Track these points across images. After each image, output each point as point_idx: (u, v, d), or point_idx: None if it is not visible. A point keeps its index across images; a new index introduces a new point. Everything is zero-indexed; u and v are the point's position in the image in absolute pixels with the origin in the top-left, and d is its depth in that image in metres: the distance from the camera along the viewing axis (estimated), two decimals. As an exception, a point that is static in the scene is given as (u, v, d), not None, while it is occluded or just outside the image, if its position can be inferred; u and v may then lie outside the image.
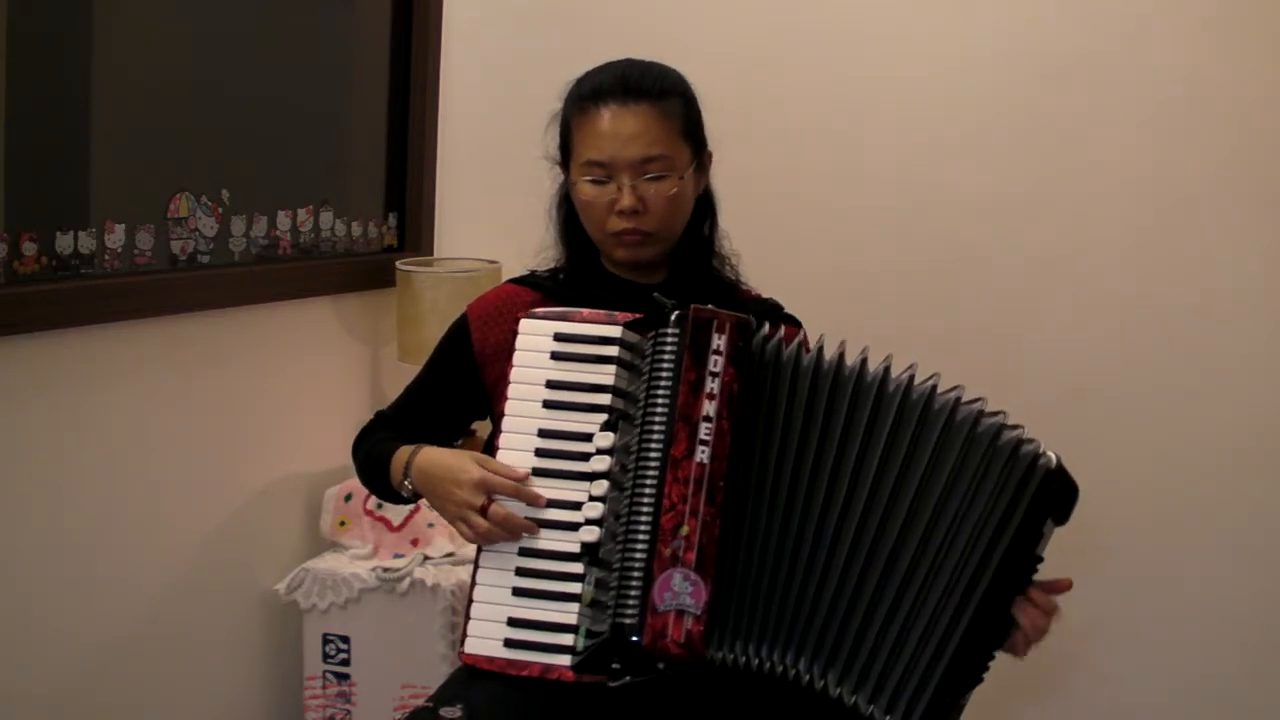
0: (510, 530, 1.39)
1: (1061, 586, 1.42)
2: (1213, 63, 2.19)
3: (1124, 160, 2.25)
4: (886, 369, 1.39)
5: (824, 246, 2.39)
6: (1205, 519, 2.27)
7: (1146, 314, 2.27)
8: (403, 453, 1.53)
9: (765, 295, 1.69)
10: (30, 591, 1.77)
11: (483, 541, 1.41)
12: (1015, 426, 1.38)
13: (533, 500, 1.40)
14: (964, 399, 1.38)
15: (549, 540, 1.39)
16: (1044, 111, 2.28)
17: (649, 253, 1.57)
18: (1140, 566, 2.30)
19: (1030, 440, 1.37)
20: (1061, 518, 1.40)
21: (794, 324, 1.66)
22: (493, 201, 2.55)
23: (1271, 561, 2.25)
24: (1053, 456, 1.37)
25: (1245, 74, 2.18)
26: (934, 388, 1.38)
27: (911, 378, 1.38)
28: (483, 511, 1.39)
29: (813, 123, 2.39)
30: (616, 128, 1.51)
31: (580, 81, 1.58)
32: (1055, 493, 1.37)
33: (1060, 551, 2.35)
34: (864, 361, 1.39)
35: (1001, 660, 1.38)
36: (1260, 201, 2.20)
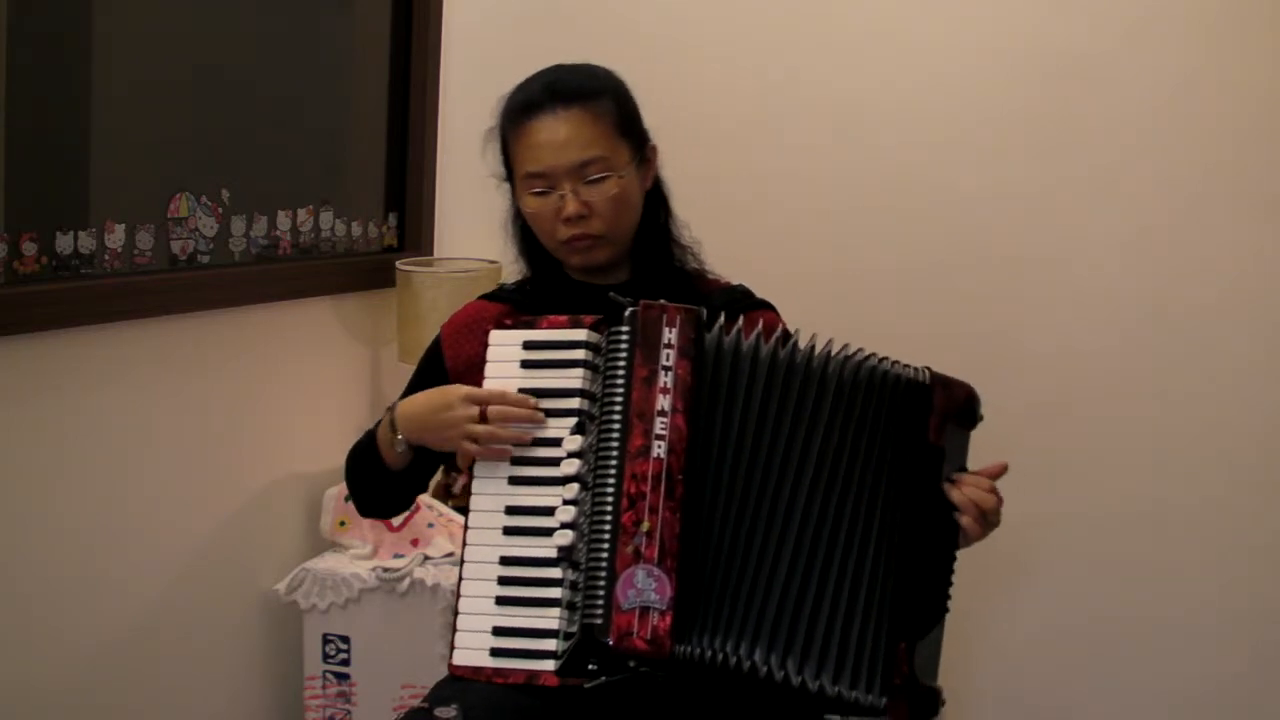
0: (512, 424, 1.40)
1: (992, 472, 1.46)
2: (1213, 63, 2.19)
3: (1124, 161, 2.25)
4: (812, 347, 1.41)
5: (823, 247, 2.39)
6: (1205, 519, 2.26)
7: (1147, 314, 2.27)
8: (382, 421, 1.55)
9: (736, 282, 1.68)
10: (30, 591, 1.77)
11: (489, 451, 1.42)
12: (906, 365, 1.43)
13: (520, 403, 1.41)
14: (876, 359, 1.42)
15: (528, 547, 1.39)
16: (1043, 112, 2.27)
17: (602, 255, 1.58)
18: (1140, 567, 2.30)
19: (908, 366, 1.42)
20: (966, 421, 1.44)
21: (765, 308, 1.67)
22: (493, 201, 2.54)
23: (1273, 562, 2.25)
24: (925, 372, 1.43)
25: (1246, 74, 2.18)
26: (846, 357, 1.41)
27: (829, 352, 1.41)
28: (481, 420, 1.41)
29: (813, 123, 2.38)
30: (550, 136, 1.52)
31: (511, 95, 1.59)
32: (945, 403, 1.41)
33: (1061, 551, 2.35)
34: (795, 344, 1.41)
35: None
36: (1260, 201, 2.20)
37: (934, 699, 1.39)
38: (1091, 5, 2.24)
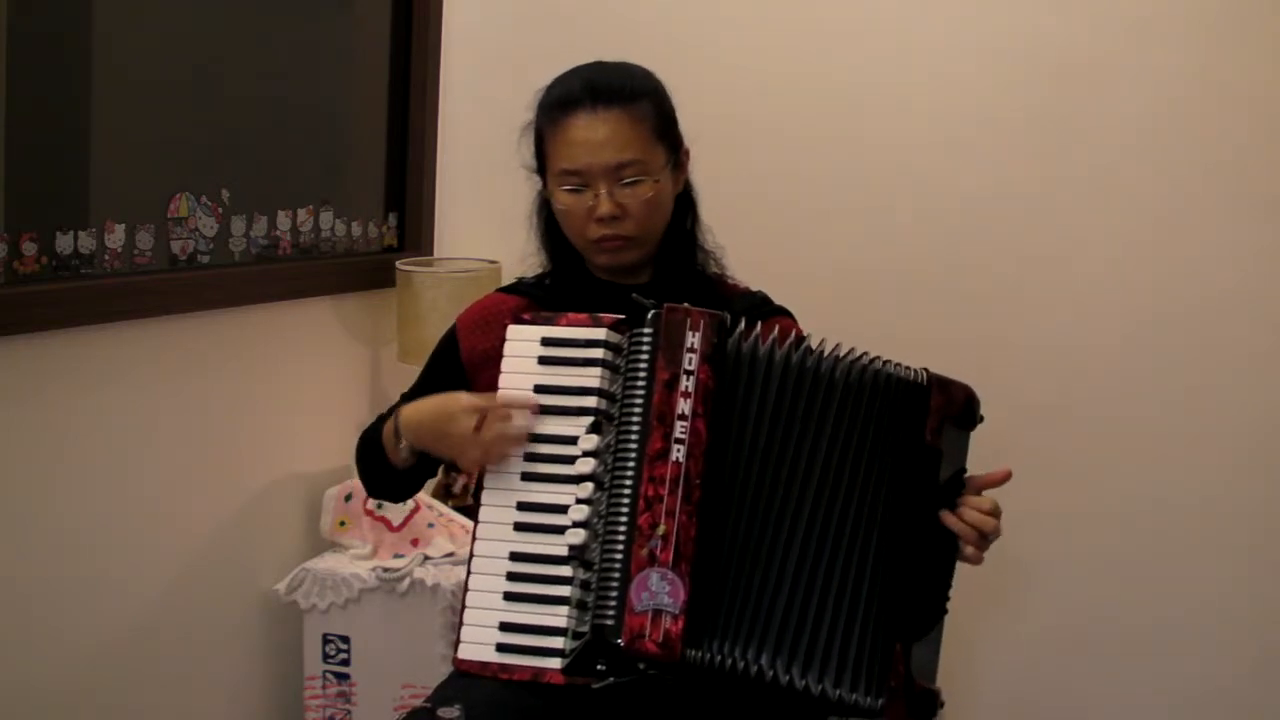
0: (512, 436, 1.40)
1: (994, 479, 1.45)
2: (1213, 63, 2.19)
3: (1124, 161, 2.25)
4: (821, 350, 1.41)
5: (823, 247, 2.39)
6: (1206, 519, 2.26)
7: (1148, 315, 2.27)
8: (389, 421, 1.55)
9: (755, 288, 1.69)
10: (30, 591, 1.77)
11: (491, 459, 1.42)
12: (907, 368, 1.42)
13: (524, 405, 1.41)
14: (880, 363, 1.42)
15: (539, 544, 1.39)
16: (1043, 112, 2.27)
17: (631, 257, 1.58)
18: (1140, 567, 2.30)
19: (908, 369, 1.42)
20: (965, 422, 1.43)
21: (784, 314, 1.67)
22: (493, 201, 2.55)
23: (1273, 562, 2.25)
24: (923, 373, 1.42)
25: (1246, 74, 2.18)
26: (852, 360, 1.41)
27: (836, 355, 1.41)
28: (480, 429, 1.40)
29: (813, 124, 2.38)
30: (588, 135, 1.51)
31: (549, 89, 1.58)
32: (942, 405, 1.41)
33: (1061, 551, 2.35)
34: (808, 348, 1.41)
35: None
36: (1260, 201, 2.20)
37: (932, 700, 1.39)
38: (1091, 5, 2.24)
